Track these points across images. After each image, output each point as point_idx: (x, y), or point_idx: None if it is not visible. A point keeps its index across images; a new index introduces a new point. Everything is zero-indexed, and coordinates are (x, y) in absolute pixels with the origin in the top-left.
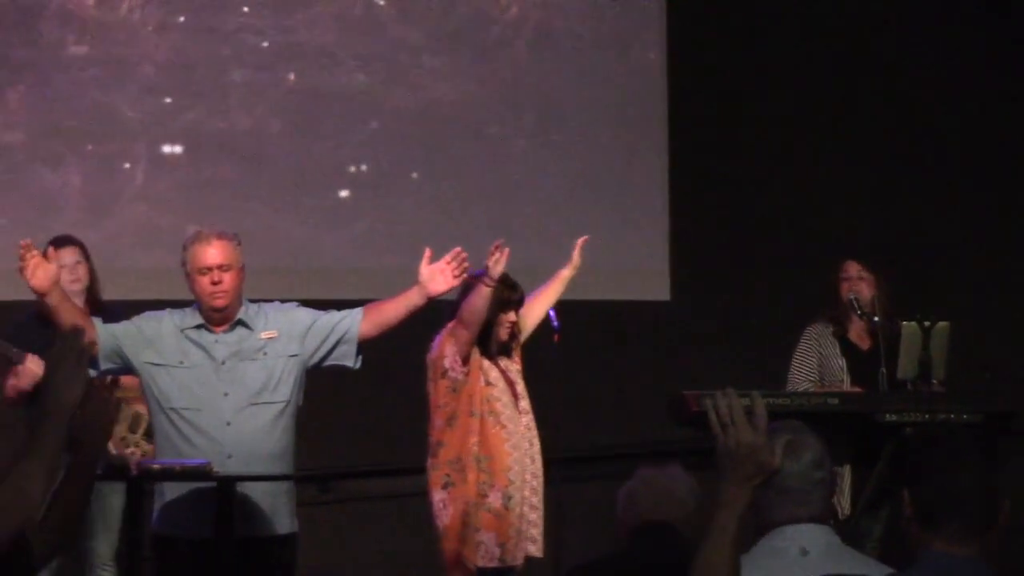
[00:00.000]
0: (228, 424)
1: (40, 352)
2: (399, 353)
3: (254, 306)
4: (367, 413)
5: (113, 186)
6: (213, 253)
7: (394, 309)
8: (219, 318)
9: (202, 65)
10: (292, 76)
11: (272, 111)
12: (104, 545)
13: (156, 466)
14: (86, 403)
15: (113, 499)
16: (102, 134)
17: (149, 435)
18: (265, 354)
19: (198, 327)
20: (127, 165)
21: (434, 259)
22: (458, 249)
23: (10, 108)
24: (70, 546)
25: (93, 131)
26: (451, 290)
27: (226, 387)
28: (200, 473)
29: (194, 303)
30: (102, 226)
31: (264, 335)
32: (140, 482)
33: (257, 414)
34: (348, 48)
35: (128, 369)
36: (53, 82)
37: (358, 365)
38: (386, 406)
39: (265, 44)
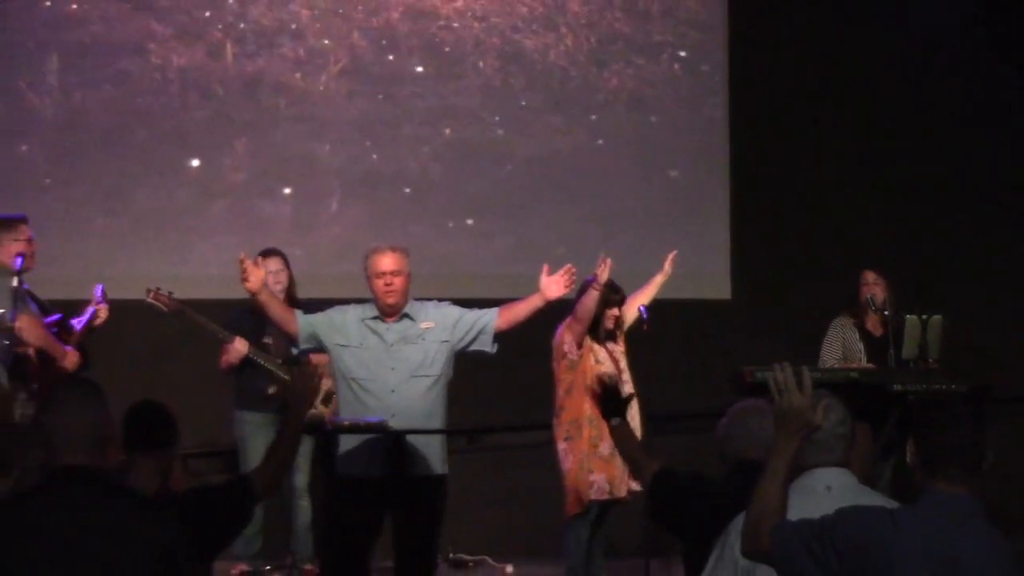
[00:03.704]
0: (393, 391)
1: (249, 335)
2: (535, 338)
3: (417, 303)
4: (511, 381)
5: (314, 213)
6: (388, 261)
7: (521, 309)
8: (390, 311)
9: (380, 122)
10: (448, 130)
11: (433, 157)
12: (302, 480)
13: (345, 422)
14: (294, 379)
15: (303, 445)
16: (306, 174)
17: (325, 402)
18: (424, 340)
19: (374, 318)
20: (324, 198)
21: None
22: (569, 266)
23: (238, 155)
24: (283, 481)
25: (299, 172)
26: (563, 296)
27: (393, 363)
28: (378, 428)
29: (371, 299)
30: (306, 243)
31: (423, 325)
32: (332, 434)
33: (416, 384)
34: (490, 109)
35: (321, 349)
36: (269, 135)
37: (495, 350)
38: (525, 377)
39: (428, 106)
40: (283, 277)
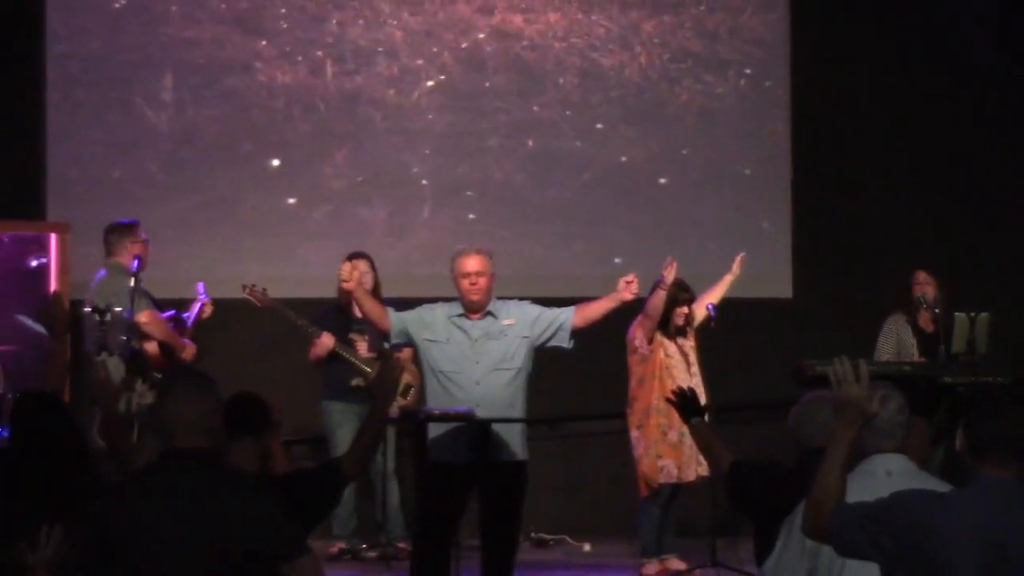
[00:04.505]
0: (477, 383)
1: (336, 331)
2: (613, 333)
3: (499, 302)
4: (590, 373)
5: (406, 218)
6: (472, 263)
7: (596, 308)
8: (474, 308)
9: (468, 134)
10: (530, 142)
11: (516, 167)
12: (391, 465)
13: (436, 411)
14: (379, 372)
15: (390, 432)
16: (399, 182)
17: (403, 394)
18: (506, 336)
19: (460, 315)
20: (416, 204)
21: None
22: (634, 275)
23: (337, 165)
24: (369, 466)
25: (393, 180)
26: (635, 298)
27: (477, 357)
28: (467, 416)
29: (457, 298)
30: (399, 247)
31: (505, 322)
32: (424, 422)
33: (498, 377)
34: (569, 122)
35: (410, 344)
36: (366, 147)
37: (571, 346)
38: (603, 369)
39: (512, 119)
40: (369, 279)
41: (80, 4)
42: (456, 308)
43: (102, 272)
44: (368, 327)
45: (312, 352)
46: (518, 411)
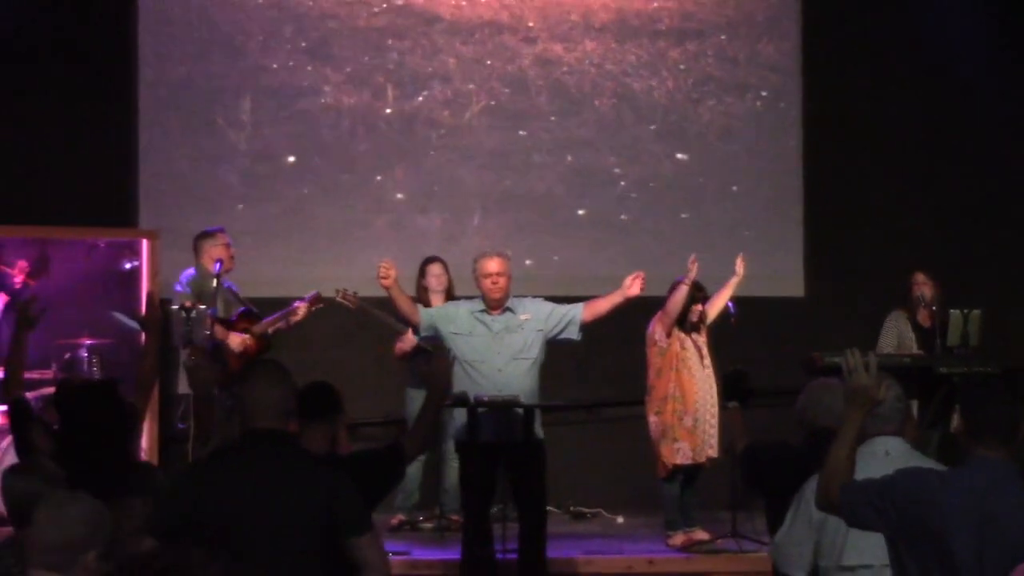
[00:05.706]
0: (499, 371)
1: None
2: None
3: (516, 299)
4: (613, 365)
5: (459, 226)
6: (493, 264)
7: (603, 304)
8: (495, 305)
9: (513, 151)
10: (569, 158)
11: (557, 180)
12: (452, 447)
13: (486, 397)
14: (434, 361)
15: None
16: (452, 194)
17: None
18: (523, 329)
19: (482, 311)
20: (468, 214)
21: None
22: (641, 272)
23: (397, 179)
24: (429, 447)
25: (447, 192)
26: (639, 295)
27: (498, 348)
28: (513, 402)
29: (479, 296)
30: (453, 252)
31: (522, 317)
32: (476, 407)
33: (518, 366)
34: (605, 139)
35: (439, 337)
36: (423, 162)
37: (580, 338)
38: (624, 361)
39: (553, 138)
40: (444, 280)
41: (168, 35)
42: (478, 305)
43: (190, 271)
44: None
45: (398, 347)
46: (535, 397)
